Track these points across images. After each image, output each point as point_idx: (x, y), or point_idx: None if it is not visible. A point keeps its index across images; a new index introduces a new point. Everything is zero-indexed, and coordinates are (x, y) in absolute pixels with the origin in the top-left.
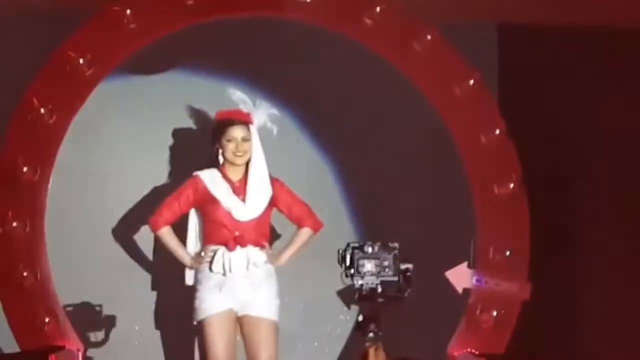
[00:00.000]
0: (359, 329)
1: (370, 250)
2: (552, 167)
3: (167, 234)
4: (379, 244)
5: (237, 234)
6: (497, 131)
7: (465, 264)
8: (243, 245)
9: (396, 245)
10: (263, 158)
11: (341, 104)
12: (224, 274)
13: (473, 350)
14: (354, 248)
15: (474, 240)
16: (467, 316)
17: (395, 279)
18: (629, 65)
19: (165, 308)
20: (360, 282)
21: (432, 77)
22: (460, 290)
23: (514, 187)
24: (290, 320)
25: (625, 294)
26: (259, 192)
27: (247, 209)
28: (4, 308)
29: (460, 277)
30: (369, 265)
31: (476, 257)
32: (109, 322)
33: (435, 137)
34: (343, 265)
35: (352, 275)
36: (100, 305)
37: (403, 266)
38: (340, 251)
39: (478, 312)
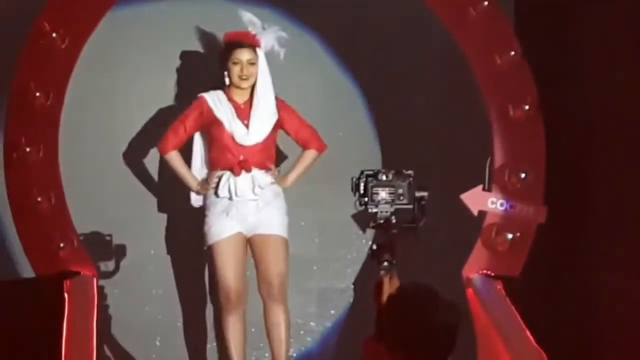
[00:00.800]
0: (373, 257)
1: (384, 178)
2: (569, 93)
3: (175, 159)
4: (393, 171)
5: (241, 158)
6: (512, 52)
7: (480, 186)
8: (248, 169)
9: (411, 172)
10: (269, 82)
11: (357, 27)
12: (230, 198)
13: (488, 272)
14: (367, 176)
15: (490, 161)
16: (483, 238)
17: (410, 207)
18: None
19: (174, 231)
20: (374, 210)
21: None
22: (475, 212)
23: (529, 109)
24: (306, 245)
25: None
26: (263, 117)
27: (250, 134)
28: (19, 233)
29: (476, 199)
30: (383, 193)
31: (492, 179)
32: (120, 251)
33: (452, 60)
34: (357, 193)
35: (365, 204)
36: (110, 235)
37: (418, 194)
38: (354, 179)
39: (493, 234)
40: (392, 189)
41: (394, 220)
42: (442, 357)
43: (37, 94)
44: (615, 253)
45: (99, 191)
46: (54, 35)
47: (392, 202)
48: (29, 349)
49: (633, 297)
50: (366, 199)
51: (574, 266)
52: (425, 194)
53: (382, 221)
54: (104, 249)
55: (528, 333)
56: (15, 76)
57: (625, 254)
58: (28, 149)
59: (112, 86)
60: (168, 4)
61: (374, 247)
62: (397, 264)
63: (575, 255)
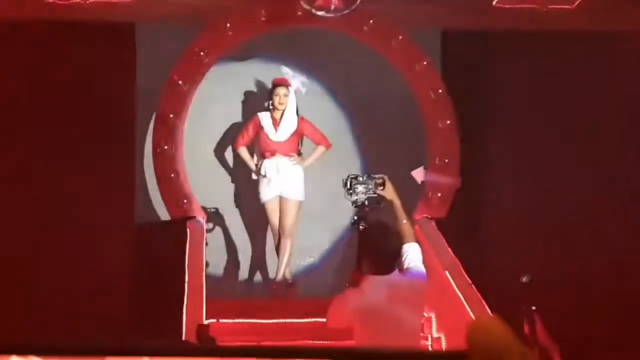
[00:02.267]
0: (354, 223)
1: (361, 179)
2: (473, 113)
3: (242, 151)
4: (366, 175)
5: (272, 147)
6: (440, 90)
7: (422, 167)
8: (274, 154)
9: (376, 176)
10: (294, 107)
11: (345, 77)
12: (265, 176)
13: (427, 215)
14: (351, 177)
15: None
16: (423, 197)
17: (375, 196)
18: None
19: (244, 195)
20: (355, 197)
21: (405, 62)
22: (419, 181)
23: (449, 123)
24: (317, 203)
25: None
26: (286, 126)
27: (277, 134)
28: (162, 196)
29: (419, 174)
30: (360, 188)
31: (428, 164)
32: (219, 218)
33: (406, 93)
34: (345, 187)
35: (350, 194)
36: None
37: (379, 189)
38: (344, 179)
39: (430, 194)
40: (366, 185)
41: (366, 203)
42: (390, 264)
43: (171, 116)
44: (496, 204)
45: (208, 173)
46: (180, 82)
47: (365, 193)
48: (171, 257)
49: (507, 229)
50: (351, 191)
51: (472, 211)
52: (384, 187)
53: (359, 204)
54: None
55: (448, 248)
56: (159, 107)
57: (501, 205)
58: (165, 147)
59: (209, 110)
60: (243, 63)
61: (355, 217)
62: (368, 227)
63: (473, 207)
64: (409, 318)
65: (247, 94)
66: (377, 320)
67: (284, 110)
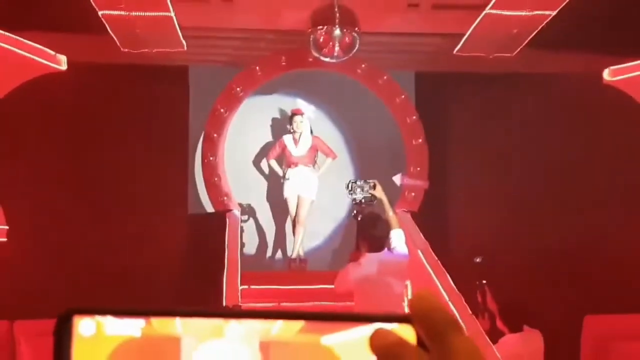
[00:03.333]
0: (354, 216)
1: (359, 183)
2: (440, 134)
3: (273, 163)
4: (363, 180)
5: (295, 160)
6: (414, 117)
7: (400, 174)
8: (296, 165)
9: (371, 180)
10: (309, 129)
11: (345, 110)
12: (289, 179)
13: (404, 209)
14: (352, 182)
15: (404, 170)
16: (402, 195)
17: (369, 195)
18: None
19: (273, 194)
20: (354, 196)
21: (388, 96)
22: (398, 184)
23: (421, 141)
24: (323, 200)
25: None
26: (304, 144)
27: (297, 150)
28: (208, 194)
29: (397, 179)
30: (358, 190)
31: (405, 172)
32: (251, 210)
33: (389, 118)
34: (347, 189)
35: (351, 193)
36: (248, 204)
37: (373, 190)
38: (346, 183)
39: (406, 193)
40: (362, 187)
41: (363, 201)
42: (381, 245)
43: (214, 135)
44: (456, 200)
45: (242, 177)
46: (222, 110)
47: (362, 193)
48: (214, 239)
49: (463, 219)
50: (351, 191)
51: (438, 205)
52: (376, 189)
53: (357, 201)
54: (243, 210)
55: (421, 234)
56: (205, 128)
57: (459, 201)
58: (211, 158)
59: (245, 133)
60: (268, 97)
61: (354, 212)
62: (362, 220)
63: (437, 203)
64: (396, 286)
65: (274, 120)
66: (372, 287)
67: (301, 133)
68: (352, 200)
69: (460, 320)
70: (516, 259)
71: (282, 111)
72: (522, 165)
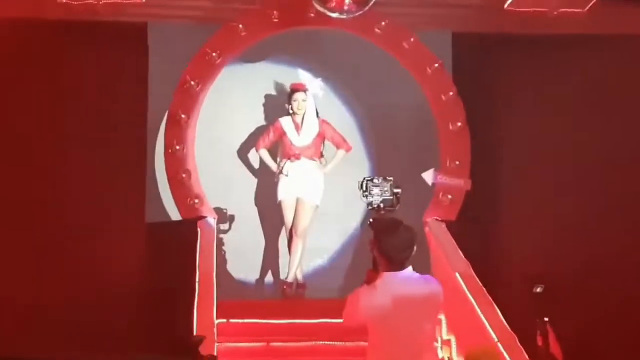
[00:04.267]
0: (370, 225)
1: (376, 181)
2: (485, 116)
3: (263, 153)
4: (381, 177)
5: (295, 151)
6: (451, 93)
7: (433, 170)
8: (298, 158)
9: (391, 178)
10: (314, 111)
11: (358, 82)
12: (287, 175)
13: (437, 218)
14: (367, 180)
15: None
16: (434, 199)
17: (391, 198)
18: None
19: (263, 193)
20: (370, 199)
21: (416, 65)
22: (430, 183)
23: (460, 125)
24: (329, 205)
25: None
26: (308, 130)
27: (299, 138)
28: (173, 195)
29: (429, 176)
30: (375, 190)
31: (439, 166)
32: (232, 218)
33: (419, 97)
34: (361, 190)
35: (365, 196)
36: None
37: (395, 190)
38: (360, 182)
39: (440, 195)
40: (381, 187)
41: (382, 205)
42: (408, 255)
43: (183, 115)
44: (508, 207)
45: (220, 173)
46: (192, 82)
47: (380, 195)
48: (181, 256)
49: (518, 232)
50: (366, 193)
51: (481, 215)
52: (399, 190)
53: (375, 206)
54: (222, 216)
55: (460, 251)
56: (170, 106)
57: (513, 208)
58: (177, 147)
59: (227, 112)
60: (260, 64)
61: (371, 220)
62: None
63: (482, 210)
64: (424, 320)
65: (267, 97)
66: (391, 321)
67: (304, 115)
68: (368, 205)
69: None
70: (590, 286)
71: (278, 85)
72: (595, 158)
